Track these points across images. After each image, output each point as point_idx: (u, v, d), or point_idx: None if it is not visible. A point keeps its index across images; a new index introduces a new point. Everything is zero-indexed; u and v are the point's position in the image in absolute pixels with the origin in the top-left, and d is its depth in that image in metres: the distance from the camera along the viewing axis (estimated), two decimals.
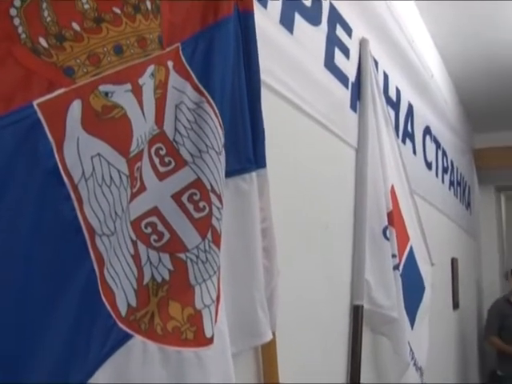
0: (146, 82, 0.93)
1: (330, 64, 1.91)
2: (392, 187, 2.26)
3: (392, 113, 2.60)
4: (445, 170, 3.91)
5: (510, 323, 4.99)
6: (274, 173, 1.40)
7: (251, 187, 1.25)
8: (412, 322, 2.47)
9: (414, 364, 2.51)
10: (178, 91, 1.05)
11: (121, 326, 0.91)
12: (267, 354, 1.40)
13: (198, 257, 1.03)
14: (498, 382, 5.33)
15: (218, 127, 1.10)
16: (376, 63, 2.37)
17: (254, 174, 1.26)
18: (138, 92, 0.91)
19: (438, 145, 3.67)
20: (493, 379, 5.56)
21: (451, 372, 3.98)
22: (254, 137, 1.28)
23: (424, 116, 3.31)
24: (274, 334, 1.34)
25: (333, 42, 1.94)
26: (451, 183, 4.18)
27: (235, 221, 1.21)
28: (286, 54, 1.61)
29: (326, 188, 1.89)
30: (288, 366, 1.49)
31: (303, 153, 1.73)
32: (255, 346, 1.37)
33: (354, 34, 2.13)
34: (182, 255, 1.01)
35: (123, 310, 0.91)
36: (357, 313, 1.98)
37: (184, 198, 1.04)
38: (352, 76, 2.11)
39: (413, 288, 2.51)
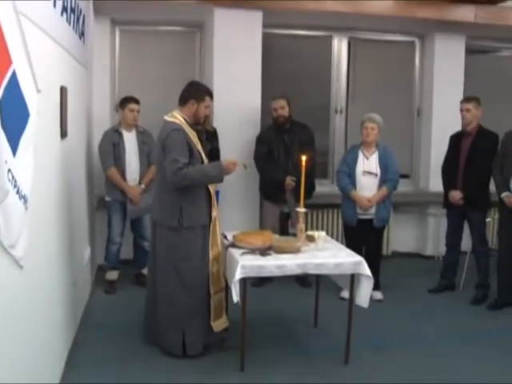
0: None
1: None
2: None
3: None
4: None
5: (120, 150, 5.78)
6: None
7: None
8: (14, 149, 2.43)
9: (18, 192, 2.51)
10: None
11: None
12: None
13: None
14: (105, 207, 5.85)
15: None
16: None
17: None
18: None
19: None
20: (101, 205, 6.15)
21: (57, 197, 4.07)
22: None
23: None
24: None
25: None
26: (64, 9, 3.95)
27: None
28: None
29: None
30: None
31: None
32: None
33: None
34: None
35: None
36: None
37: None
38: None
39: (15, 114, 2.44)
